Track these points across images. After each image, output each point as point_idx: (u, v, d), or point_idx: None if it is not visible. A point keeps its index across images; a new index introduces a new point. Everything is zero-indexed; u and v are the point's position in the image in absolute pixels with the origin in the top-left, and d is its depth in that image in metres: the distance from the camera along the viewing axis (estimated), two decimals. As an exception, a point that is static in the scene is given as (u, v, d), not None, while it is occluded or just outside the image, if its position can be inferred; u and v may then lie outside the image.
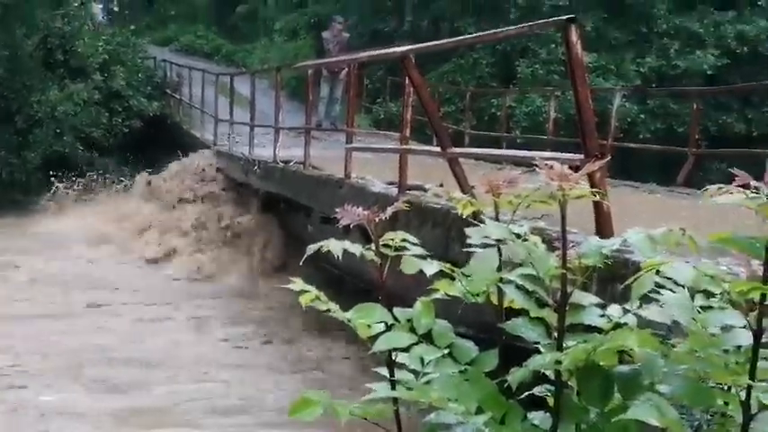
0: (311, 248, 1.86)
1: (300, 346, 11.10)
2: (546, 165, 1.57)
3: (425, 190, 8.43)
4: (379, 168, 10.26)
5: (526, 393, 1.68)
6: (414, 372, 1.73)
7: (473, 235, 1.68)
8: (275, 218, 15.08)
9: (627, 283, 1.64)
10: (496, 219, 1.75)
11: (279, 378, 9.81)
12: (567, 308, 1.61)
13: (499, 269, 1.69)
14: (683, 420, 1.58)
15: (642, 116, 21.80)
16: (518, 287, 1.63)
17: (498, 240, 1.69)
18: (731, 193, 1.59)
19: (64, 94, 22.79)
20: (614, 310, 1.68)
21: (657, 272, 1.63)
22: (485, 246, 1.73)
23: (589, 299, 1.67)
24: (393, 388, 1.71)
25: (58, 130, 22.53)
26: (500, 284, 1.66)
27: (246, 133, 15.74)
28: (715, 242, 1.57)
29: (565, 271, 1.61)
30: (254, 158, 14.74)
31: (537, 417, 1.66)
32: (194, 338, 11.50)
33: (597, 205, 4.55)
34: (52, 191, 20.93)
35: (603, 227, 4.70)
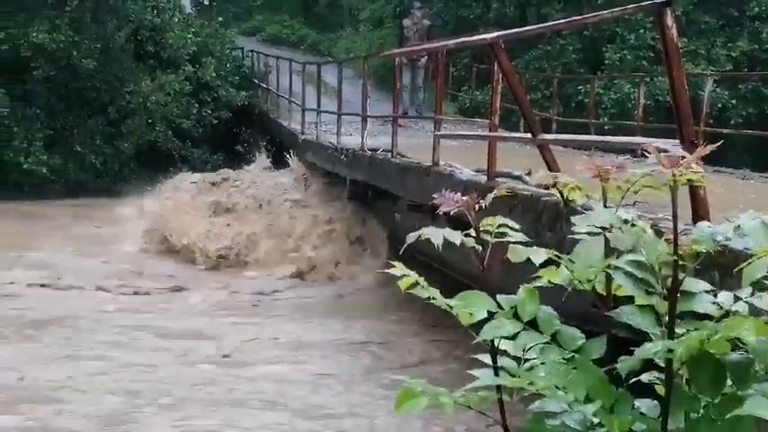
0: (411, 237, 1.80)
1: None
2: (657, 150, 1.55)
3: (514, 177, 8.39)
4: (463, 155, 10.19)
5: (632, 380, 1.65)
6: (515, 359, 1.71)
7: (579, 223, 1.66)
8: (363, 206, 15.06)
9: (739, 268, 1.61)
10: (604, 205, 1.73)
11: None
12: (677, 295, 1.58)
13: (606, 256, 1.66)
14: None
15: (733, 101, 21.31)
16: (626, 274, 1.61)
17: (604, 228, 1.67)
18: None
19: (155, 85, 23.20)
20: (725, 297, 1.64)
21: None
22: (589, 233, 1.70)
23: (700, 286, 1.63)
24: (496, 375, 1.69)
25: (149, 121, 22.96)
26: (609, 271, 1.63)
27: (333, 122, 15.83)
28: None
29: (677, 257, 1.58)
30: (341, 147, 14.81)
31: (644, 405, 1.63)
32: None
33: (694, 191, 4.46)
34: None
35: (700, 213, 4.62)
